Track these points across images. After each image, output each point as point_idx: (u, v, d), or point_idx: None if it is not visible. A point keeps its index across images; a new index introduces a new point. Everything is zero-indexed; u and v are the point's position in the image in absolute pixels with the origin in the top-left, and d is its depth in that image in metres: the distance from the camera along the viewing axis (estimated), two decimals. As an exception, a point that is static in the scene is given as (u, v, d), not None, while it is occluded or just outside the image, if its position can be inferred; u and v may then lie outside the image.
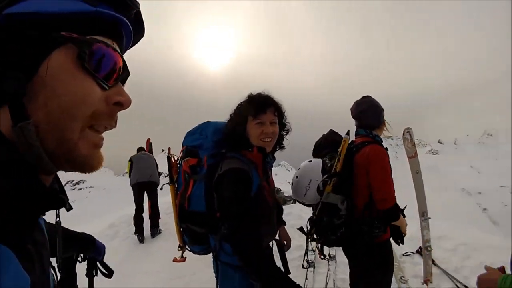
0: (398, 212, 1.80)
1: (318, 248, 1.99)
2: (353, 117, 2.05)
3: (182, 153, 1.56)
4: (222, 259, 1.42)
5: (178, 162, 1.58)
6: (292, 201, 5.77)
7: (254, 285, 1.32)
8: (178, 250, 1.68)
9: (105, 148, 0.44)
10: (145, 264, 4.01)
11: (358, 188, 1.83)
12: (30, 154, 0.36)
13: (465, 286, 2.78)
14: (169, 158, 1.59)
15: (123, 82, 0.45)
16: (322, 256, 2.02)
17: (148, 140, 5.96)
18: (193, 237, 1.52)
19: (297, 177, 1.88)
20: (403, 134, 3.16)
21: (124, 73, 0.44)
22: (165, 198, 6.17)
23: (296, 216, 4.91)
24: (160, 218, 5.08)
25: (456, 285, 2.82)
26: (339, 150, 1.80)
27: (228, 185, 1.26)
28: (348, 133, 1.85)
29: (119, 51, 0.43)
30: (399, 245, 2.01)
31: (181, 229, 1.54)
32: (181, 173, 1.53)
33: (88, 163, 0.41)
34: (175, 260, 1.72)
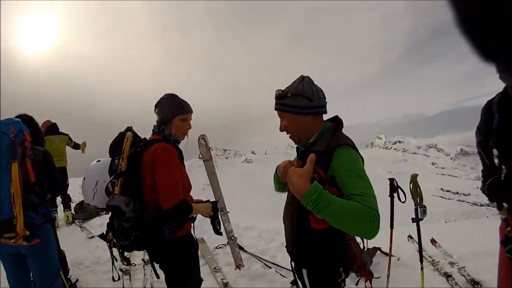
0: (187, 206, 1.66)
1: (119, 255, 1.77)
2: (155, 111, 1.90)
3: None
4: None
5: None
6: (104, 212, 5.01)
7: None
8: None
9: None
10: None
11: (146, 188, 1.67)
12: None
13: (271, 262, 3.42)
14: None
15: None
16: (125, 262, 1.79)
17: None
18: None
19: (84, 178, 1.72)
20: (198, 140, 3.30)
21: None
22: None
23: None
24: None
25: (264, 263, 3.43)
26: (123, 148, 1.68)
27: None
28: (130, 129, 1.75)
29: None
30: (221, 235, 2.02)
31: None
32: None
33: None
34: None
